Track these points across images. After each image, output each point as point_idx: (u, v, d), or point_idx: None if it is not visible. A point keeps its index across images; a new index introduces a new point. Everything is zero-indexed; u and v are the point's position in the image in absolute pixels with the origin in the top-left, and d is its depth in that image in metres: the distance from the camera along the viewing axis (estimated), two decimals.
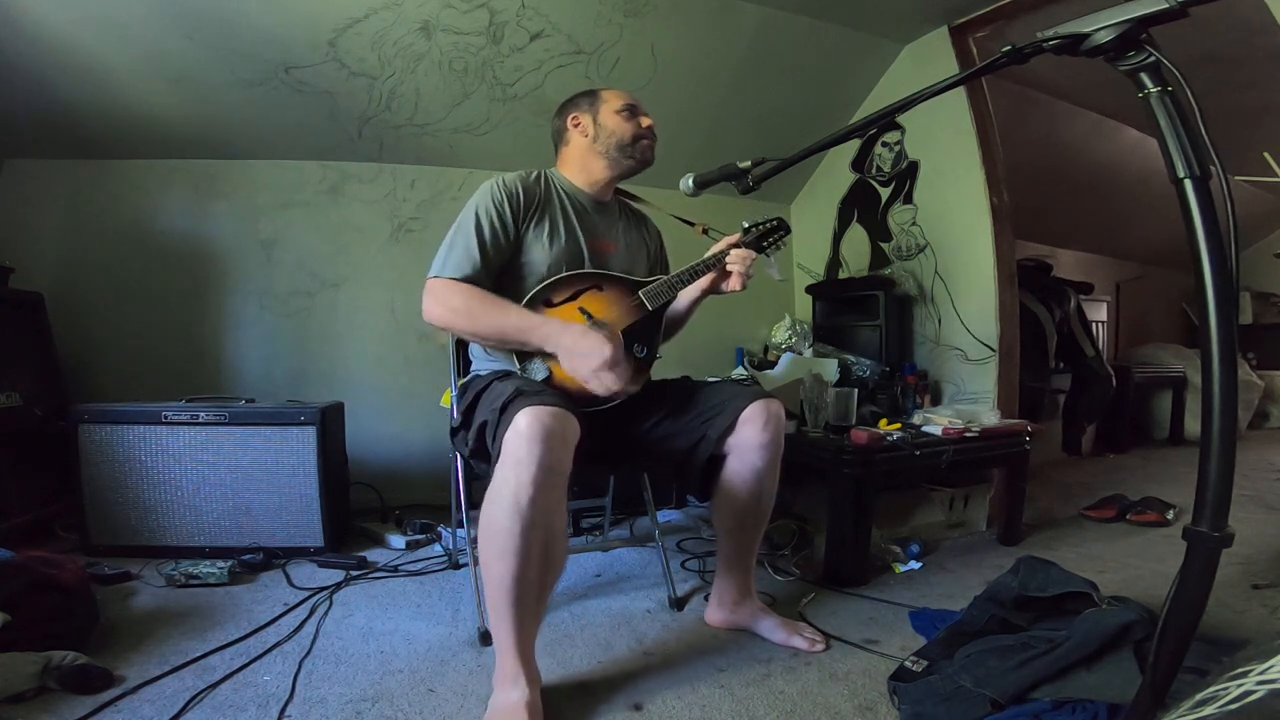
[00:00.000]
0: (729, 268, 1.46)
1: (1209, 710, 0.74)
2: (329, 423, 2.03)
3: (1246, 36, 2.56)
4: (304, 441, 1.97)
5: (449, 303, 1.32)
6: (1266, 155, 2.09)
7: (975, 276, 2.50)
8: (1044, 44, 0.78)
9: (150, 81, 2.18)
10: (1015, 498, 2.22)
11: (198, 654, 1.36)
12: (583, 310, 1.38)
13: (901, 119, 2.73)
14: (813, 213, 3.24)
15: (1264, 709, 0.71)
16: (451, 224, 1.40)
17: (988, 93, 2.52)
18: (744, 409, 1.39)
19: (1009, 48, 0.80)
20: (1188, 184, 0.72)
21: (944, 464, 2.00)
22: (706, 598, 1.64)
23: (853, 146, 2.97)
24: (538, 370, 1.34)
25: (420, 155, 2.66)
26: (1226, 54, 2.72)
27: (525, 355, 1.35)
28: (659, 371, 1.55)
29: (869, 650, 1.43)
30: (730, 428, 1.40)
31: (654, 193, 1.72)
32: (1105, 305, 4.59)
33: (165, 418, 1.93)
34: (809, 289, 3.08)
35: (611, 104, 1.51)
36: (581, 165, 1.53)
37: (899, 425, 2.09)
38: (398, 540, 2.14)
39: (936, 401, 2.55)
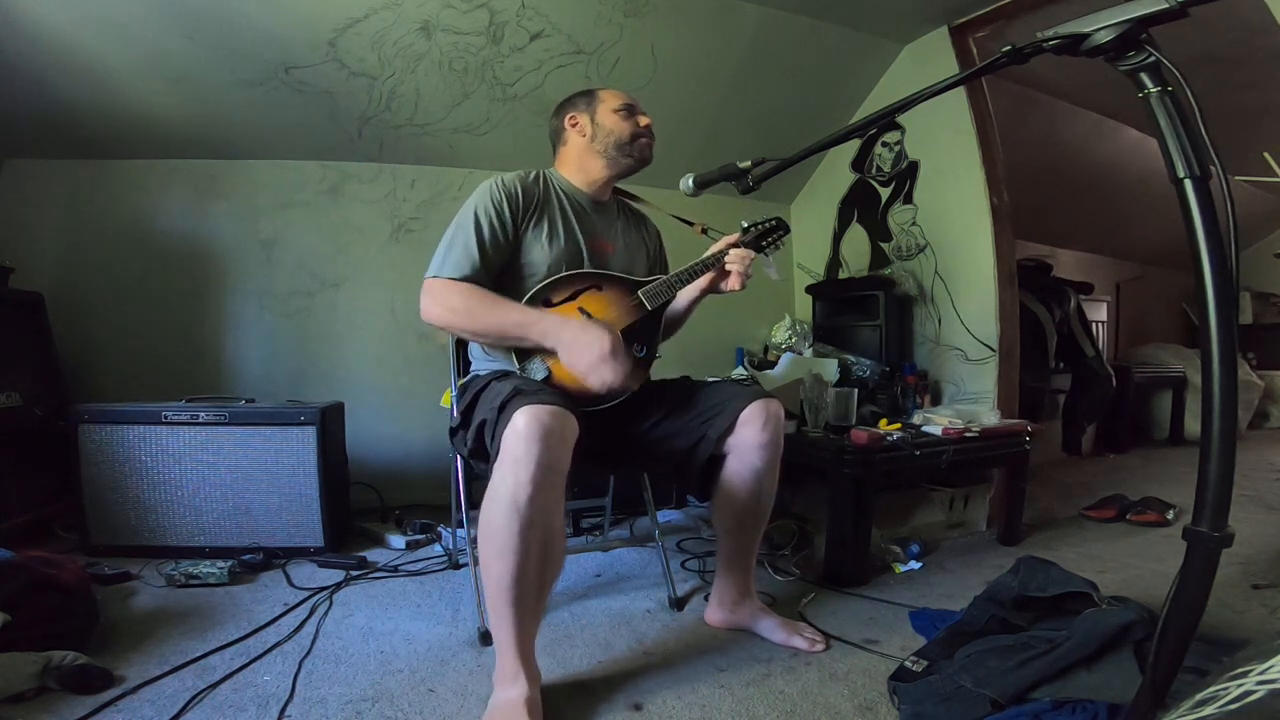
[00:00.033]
0: (728, 267, 1.47)
1: (1209, 710, 0.74)
2: (329, 423, 2.03)
3: (1246, 36, 2.56)
4: (304, 441, 1.97)
5: (448, 302, 1.32)
6: (1266, 155, 2.09)
7: (975, 276, 2.50)
8: (1044, 44, 0.78)
9: (150, 81, 2.18)
10: (1015, 498, 2.22)
11: (198, 654, 1.36)
12: (582, 310, 1.38)
13: (901, 119, 2.73)
14: (813, 213, 3.24)
15: (1264, 709, 0.71)
16: (450, 224, 1.40)
17: (988, 93, 2.52)
18: (744, 409, 1.39)
19: (1009, 48, 0.80)
20: (1188, 184, 0.72)
21: (944, 464, 2.00)
22: (706, 598, 1.64)
23: (853, 146, 2.97)
24: (537, 370, 1.35)
25: (420, 155, 2.66)
26: (1226, 54, 2.72)
27: (524, 354, 1.35)
28: (659, 371, 1.55)
29: (869, 650, 1.43)
30: (730, 428, 1.40)
31: (653, 192, 1.72)
32: (1105, 305, 4.58)
33: (165, 418, 1.93)
34: (809, 289, 3.08)
35: (609, 103, 1.51)
36: (580, 165, 1.53)
37: (899, 425, 2.09)
38: (398, 540, 2.14)
39: (936, 401, 2.55)
